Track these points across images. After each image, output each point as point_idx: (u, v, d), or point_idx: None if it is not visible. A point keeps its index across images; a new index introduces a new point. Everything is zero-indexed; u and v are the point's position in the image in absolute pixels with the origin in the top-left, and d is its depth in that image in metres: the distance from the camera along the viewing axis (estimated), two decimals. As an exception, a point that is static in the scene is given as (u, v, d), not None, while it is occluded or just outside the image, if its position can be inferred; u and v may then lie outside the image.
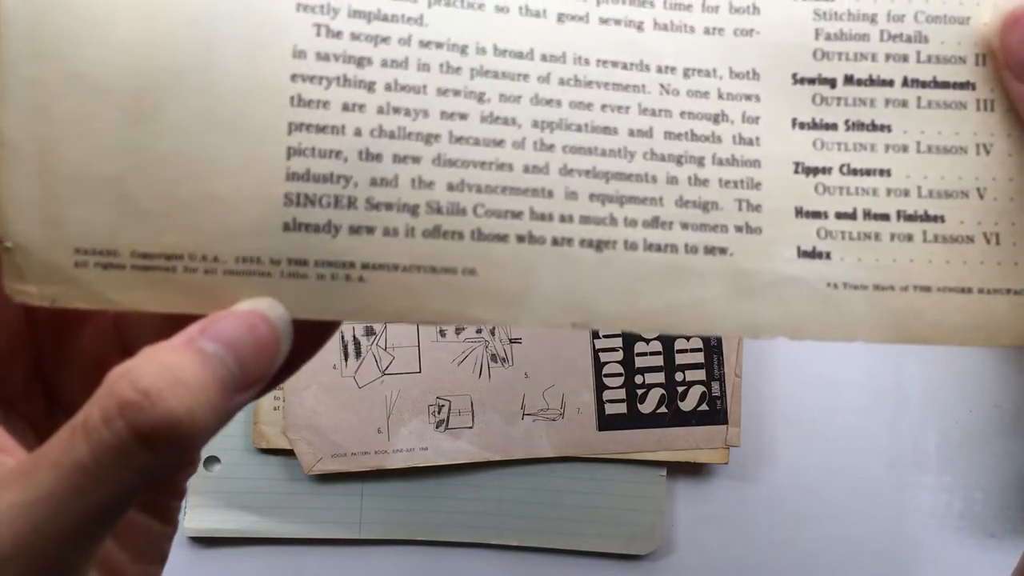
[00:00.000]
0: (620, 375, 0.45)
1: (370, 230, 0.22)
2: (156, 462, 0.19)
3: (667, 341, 0.45)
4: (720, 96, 0.24)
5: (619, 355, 0.45)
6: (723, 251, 0.23)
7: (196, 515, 0.45)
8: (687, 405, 0.45)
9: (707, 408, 0.45)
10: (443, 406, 0.45)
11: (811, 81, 0.24)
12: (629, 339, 0.45)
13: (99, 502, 0.19)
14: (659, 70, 0.24)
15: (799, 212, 0.24)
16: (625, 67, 0.23)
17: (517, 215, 0.23)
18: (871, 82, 0.24)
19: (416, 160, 0.22)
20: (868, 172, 0.24)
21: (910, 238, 0.24)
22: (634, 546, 0.46)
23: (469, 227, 0.22)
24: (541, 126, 0.23)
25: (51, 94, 0.22)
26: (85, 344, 0.25)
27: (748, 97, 0.24)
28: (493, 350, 0.45)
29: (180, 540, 0.45)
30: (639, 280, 0.23)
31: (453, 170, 0.22)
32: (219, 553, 0.45)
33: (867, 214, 0.24)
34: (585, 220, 0.23)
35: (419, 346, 0.45)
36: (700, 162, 0.23)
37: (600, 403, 0.45)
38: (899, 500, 0.47)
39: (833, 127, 0.24)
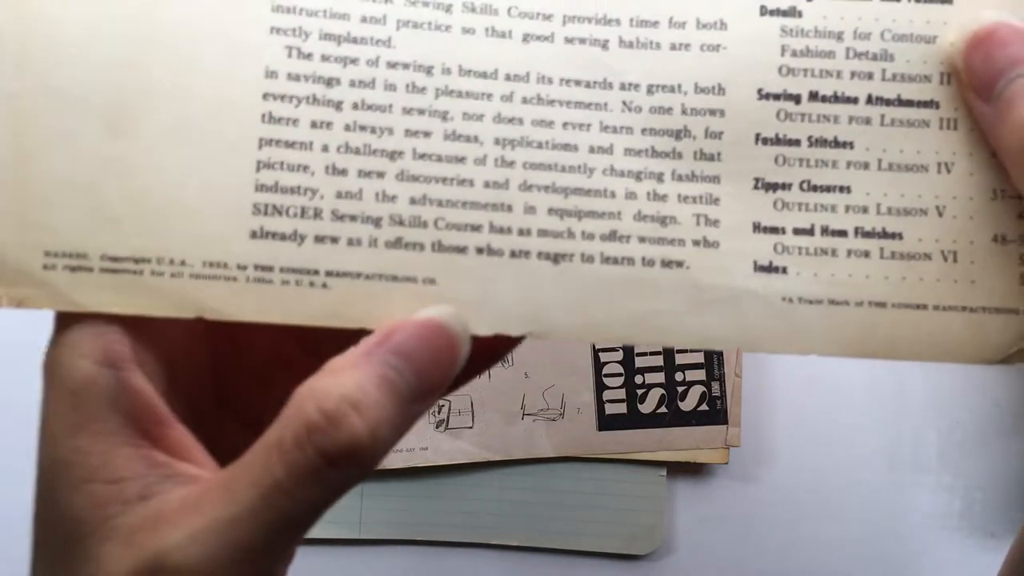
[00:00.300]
0: (620, 375, 0.45)
1: (335, 240, 0.23)
2: (344, 478, 0.21)
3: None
4: (684, 112, 0.24)
5: (619, 355, 0.45)
6: (680, 264, 0.24)
7: (196, 515, 0.45)
8: (687, 405, 0.45)
9: (707, 408, 0.45)
10: (443, 406, 0.45)
11: (776, 97, 0.24)
12: None
13: (294, 517, 0.21)
14: (622, 87, 0.24)
15: (757, 227, 0.24)
16: (588, 85, 0.24)
17: (477, 228, 0.23)
18: (836, 99, 0.24)
19: (380, 175, 0.23)
20: (828, 188, 0.24)
21: (867, 254, 0.24)
22: (634, 546, 0.46)
23: (430, 239, 0.23)
24: (502, 143, 0.24)
25: (33, 107, 0.23)
26: (258, 345, 0.26)
27: (712, 112, 0.24)
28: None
29: (180, 540, 0.45)
30: (595, 292, 0.24)
31: (416, 185, 0.23)
32: (219, 553, 0.45)
33: (825, 230, 0.24)
34: (543, 233, 0.24)
35: None
36: (659, 177, 0.24)
37: (600, 403, 0.45)
38: (899, 500, 0.47)
39: (796, 143, 0.24)
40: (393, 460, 0.44)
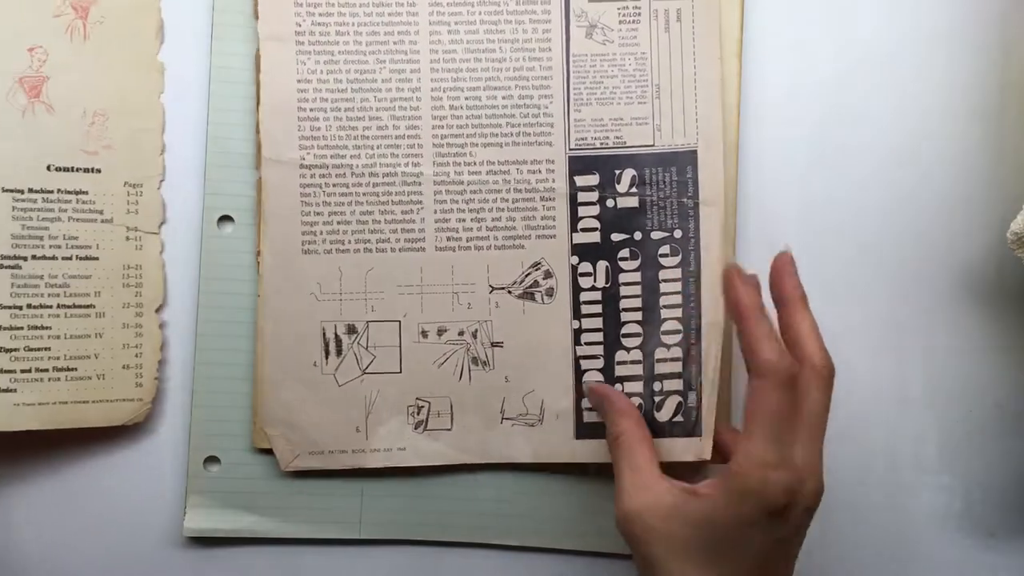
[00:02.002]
0: (599, 383, 0.44)
1: None
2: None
3: (648, 348, 0.44)
4: None
5: (600, 363, 0.44)
6: None
7: (196, 515, 0.45)
8: (663, 416, 0.44)
9: (682, 419, 0.44)
10: (422, 407, 0.44)
11: None
12: (611, 346, 0.44)
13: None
14: None
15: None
16: None
17: None
18: None
19: None
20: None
21: (59, 380, 0.43)
22: (634, 546, 0.46)
23: None
24: None
25: None
26: None
27: None
28: (474, 353, 0.44)
29: (180, 540, 0.45)
30: None
31: None
32: (219, 553, 0.45)
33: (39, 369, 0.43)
34: None
35: (400, 346, 0.44)
36: None
37: (579, 411, 0.44)
38: (899, 500, 0.47)
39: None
40: (371, 459, 0.44)
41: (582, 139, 0.44)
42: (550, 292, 0.44)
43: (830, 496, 0.46)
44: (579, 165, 0.44)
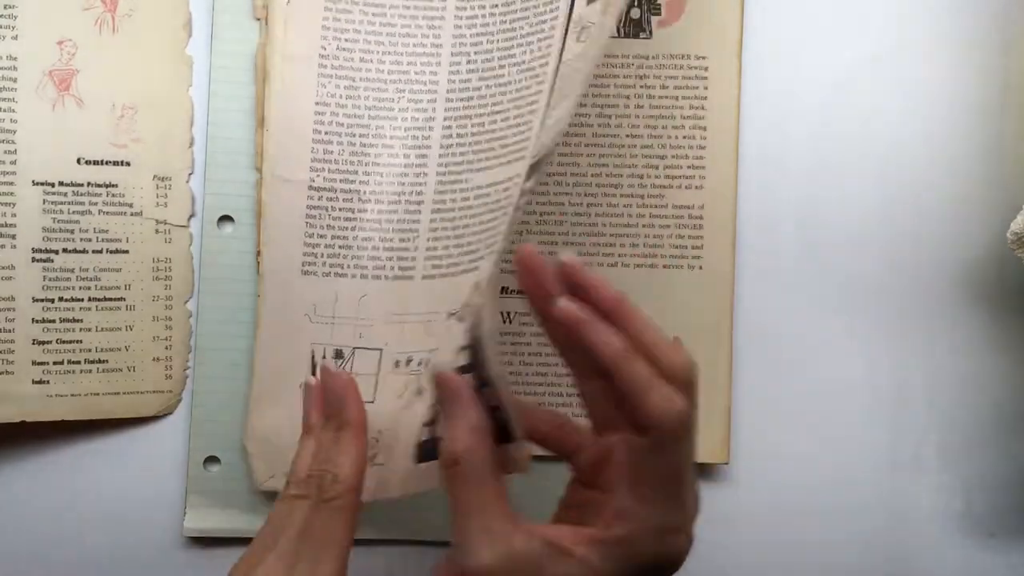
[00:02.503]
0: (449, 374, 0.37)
1: None
2: None
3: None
4: None
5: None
6: None
7: (196, 515, 0.45)
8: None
9: None
10: (377, 440, 0.40)
11: None
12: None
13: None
14: None
15: (33, 363, 0.44)
16: None
17: None
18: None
19: None
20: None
21: (91, 372, 0.44)
22: (634, 546, 0.46)
23: None
24: None
25: None
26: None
27: None
28: (420, 383, 0.40)
29: (180, 540, 0.45)
30: None
31: None
32: (219, 553, 0.45)
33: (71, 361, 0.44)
34: None
35: (378, 375, 0.42)
36: None
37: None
38: (899, 500, 0.47)
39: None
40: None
41: None
42: None
43: (831, 496, 0.47)
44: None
